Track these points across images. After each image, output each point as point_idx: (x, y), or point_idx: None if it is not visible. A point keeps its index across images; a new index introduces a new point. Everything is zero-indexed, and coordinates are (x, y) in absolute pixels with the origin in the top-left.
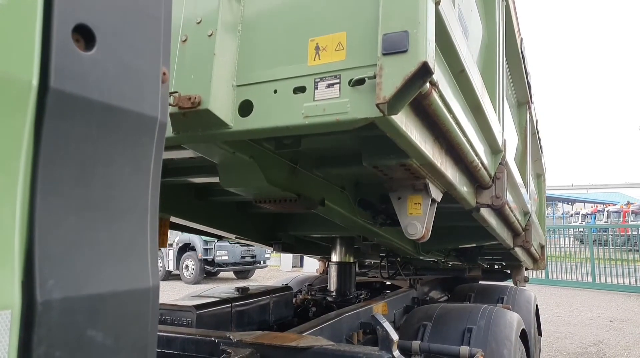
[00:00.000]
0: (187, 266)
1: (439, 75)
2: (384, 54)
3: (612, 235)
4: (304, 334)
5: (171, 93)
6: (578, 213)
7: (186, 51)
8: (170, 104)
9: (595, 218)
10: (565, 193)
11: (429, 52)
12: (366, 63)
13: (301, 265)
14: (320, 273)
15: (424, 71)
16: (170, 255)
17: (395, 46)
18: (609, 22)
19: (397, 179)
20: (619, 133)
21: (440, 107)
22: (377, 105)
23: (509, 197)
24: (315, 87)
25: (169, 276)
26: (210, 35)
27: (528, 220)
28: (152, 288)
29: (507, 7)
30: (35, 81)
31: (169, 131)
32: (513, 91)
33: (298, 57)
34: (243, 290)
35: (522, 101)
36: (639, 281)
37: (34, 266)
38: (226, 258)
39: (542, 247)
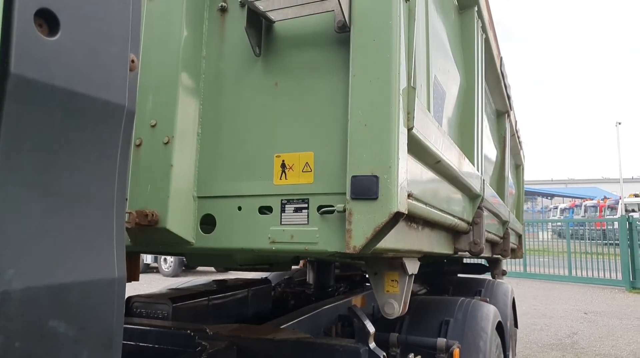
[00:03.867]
0: (165, 259)
1: (415, 178)
2: (353, 198)
3: (588, 229)
4: (282, 327)
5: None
6: (557, 208)
7: (141, 157)
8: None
9: (573, 213)
10: (545, 188)
11: (401, 199)
12: (336, 190)
13: None
14: (300, 267)
15: (397, 217)
16: None
17: (364, 192)
18: (586, 18)
19: (373, 258)
20: (597, 129)
21: (416, 207)
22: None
23: (487, 221)
24: (282, 210)
25: (147, 269)
26: (166, 143)
27: (506, 228)
28: (117, 279)
29: (486, 39)
30: None
31: (127, 240)
32: (492, 106)
33: (263, 173)
34: (221, 283)
35: (502, 111)
36: (612, 274)
37: None
38: None
39: (519, 236)
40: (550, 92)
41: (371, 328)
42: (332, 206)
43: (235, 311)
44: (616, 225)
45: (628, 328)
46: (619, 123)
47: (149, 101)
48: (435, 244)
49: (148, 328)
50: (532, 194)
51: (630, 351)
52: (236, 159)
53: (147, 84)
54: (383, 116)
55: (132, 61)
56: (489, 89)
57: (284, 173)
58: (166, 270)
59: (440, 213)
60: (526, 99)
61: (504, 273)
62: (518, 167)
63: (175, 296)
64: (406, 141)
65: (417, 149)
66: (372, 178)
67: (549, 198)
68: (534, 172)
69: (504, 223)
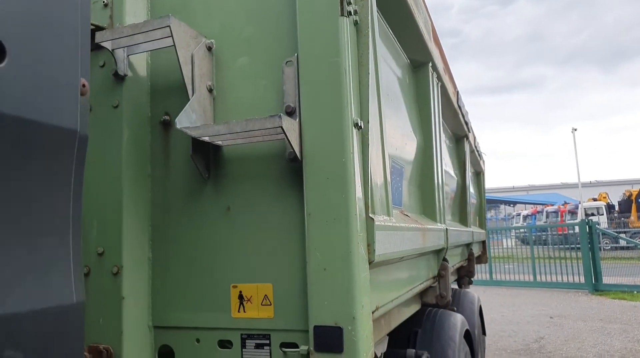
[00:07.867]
0: None
1: (380, 288)
2: (316, 350)
3: (551, 235)
4: None
5: None
6: (519, 214)
7: (90, 287)
8: None
9: (535, 219)
10: (507, 195)
11: (368, 349)
12: (298, 327)
13: None
14: None
15: None
16: None
17: (328, 344)
18: (538, 25)
19: None
20: (555, 135)
21: (383, 309)
22: None
23: (452, 254)
24: (243, 345)
25: None
26: (116, 274)
27: (470, 249)
28: (76, 304)
29: (442, 86)
30: None
31: None
32: (450, 133)
33: (220, 304)
34: None
35: (461, 135)
36: (575, 278)
37: None
38: None
39: (483, 243)
40: (508, 100)
41: None
42: (296, 345)
43: None
44: (577, 229)
45: (593, 330)
46: (575, 129)
47: (93, 226)
48: (403, 314)
49: None
50: (495, 203)
51: (596, 353)
52: (191, 288)
53: (90, 207)
54: (343, 261)
55: (83, 85)
56: (446, 122)
57: (242, 305)
58: None
59: (407, 292)
60: (485, 107)
61: (470, 282)
62: (478, 174)
63: None
64: (369, 277)
65: (381, 263)
66: (336, 329)
67: (512, 205)
68: (496, 180)
69: (467, 246)
